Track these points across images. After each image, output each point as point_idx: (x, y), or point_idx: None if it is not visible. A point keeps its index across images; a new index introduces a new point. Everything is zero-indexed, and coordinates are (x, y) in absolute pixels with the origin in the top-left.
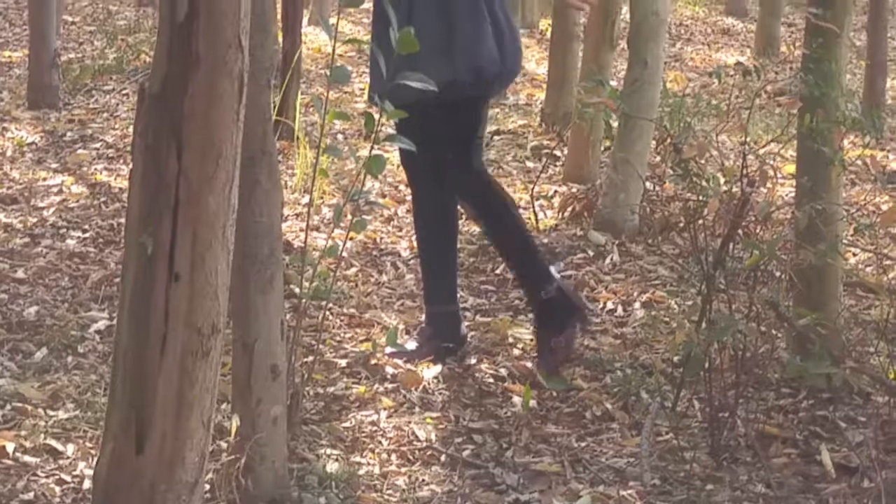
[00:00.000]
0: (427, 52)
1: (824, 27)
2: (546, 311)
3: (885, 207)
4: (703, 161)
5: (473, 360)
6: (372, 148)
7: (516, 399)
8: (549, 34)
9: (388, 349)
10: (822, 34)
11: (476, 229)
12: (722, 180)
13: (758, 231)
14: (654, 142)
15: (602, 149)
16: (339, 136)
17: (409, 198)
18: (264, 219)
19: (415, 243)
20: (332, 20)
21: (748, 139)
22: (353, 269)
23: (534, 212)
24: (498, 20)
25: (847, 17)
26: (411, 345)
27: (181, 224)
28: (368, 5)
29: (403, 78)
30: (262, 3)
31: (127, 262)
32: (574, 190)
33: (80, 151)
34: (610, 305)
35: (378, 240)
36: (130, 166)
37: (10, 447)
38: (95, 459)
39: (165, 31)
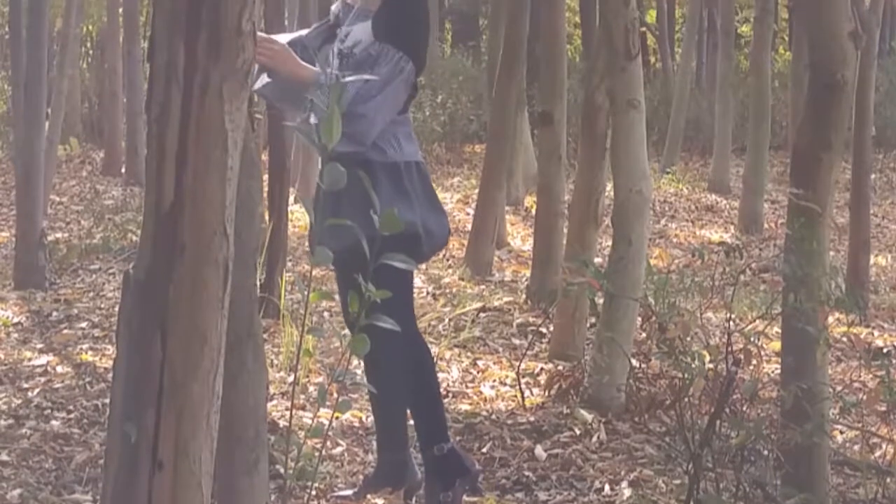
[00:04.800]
0: None
1: (806, 207)
2: (437, 468)
3: (870, 384)
4: (688, 339)
5: None
6: (357, 328)
7: None
8: (534, 211)
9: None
10: (804, 214)
11: (463, 407)
12: (707, 358)
13: (744, 409)
14: (639, 318)
15: (588, 326)
16: (325, 314)
17: None
18: (250, 400)
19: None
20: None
21: (733, 316)
22: (340, 449)
23: (520, 389)
24: None
25: (829, 196)
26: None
27: (165, 412)
28: None
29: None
30: (249, 184)
31: (110, 450)
32: (560, 367)
33: (65, 331)
34: (597, 484)
35: (364, 418)
36: (116, 350)
37: None
38: None
39: (150, 219)
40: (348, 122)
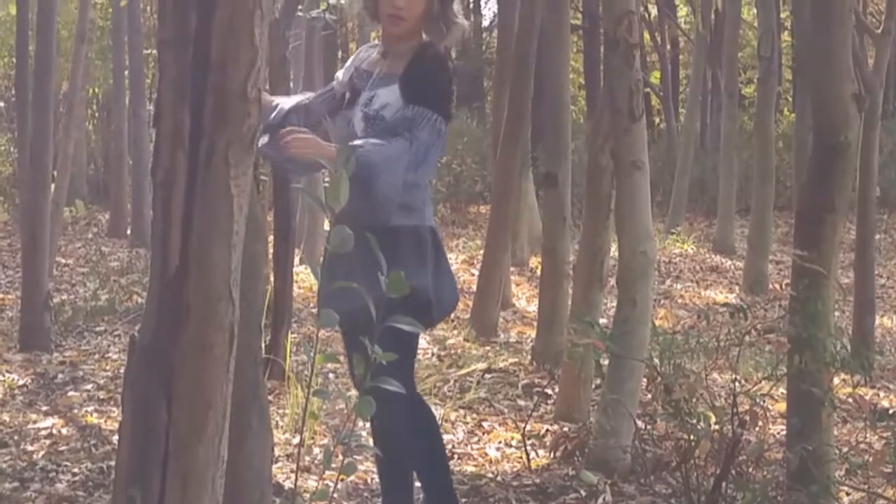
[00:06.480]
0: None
1: (811, 268)
2: None
3: (876, 445)
4: (693, 400)
5: None
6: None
7: None
8: (539, 272)
9: None
10: (808, 275)
11: (468, 468)
12: (713, 419)
13: (750, 471)
14: (644, 380)
15: (593, 387)
16: (331, 375)
17: None
18: (255, 462)
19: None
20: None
21: (738, 377)
22: None
23: (525, 451)
24: None
25: (833, 258)
26: None
27: (170, 476)
28: None
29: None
30: (254, 246)
31: None
32: (566, 428)
33: (70, 393)
34: None
35: (369, 480)
36: (121, 413)
37: None
38: None
39: (156, 283)
40: (407, 192)
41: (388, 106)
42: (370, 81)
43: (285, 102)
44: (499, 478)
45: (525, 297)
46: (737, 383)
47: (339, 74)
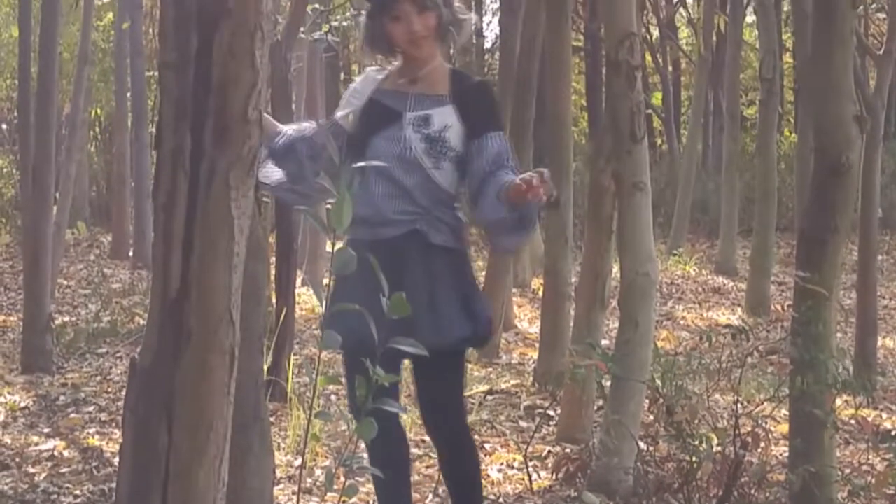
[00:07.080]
0: None
1: (813, 290)
2: None
3: (879, 467)
4: (695, 421)
5: None
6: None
7: None
8: (540, 293)
9: None
10: (811, 296)
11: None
12: (715, 441)
13: (753, 493)
14: (646, 401)
15: (595, 408)
16: (332, 397)
17: None
18: (256, 484)
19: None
20: (325, 281)
21: (741, 398)
22: None
23: (527, 473)
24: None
25: (835, 279)
26: None
27: (171, 498)
28: None
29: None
30: (255, 268)
31: None
32: (568, 450)
33: (72, 415)
34: None
35: (371, 502)
36: (122, 435)
37: None
38: None
39: (157, 305)
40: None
41: (449, 127)
42: (409, 102)
43: (290, 129)
44: (501, 499)
45: (527, 319)
46: (739, 405)
47: (345, 109)
